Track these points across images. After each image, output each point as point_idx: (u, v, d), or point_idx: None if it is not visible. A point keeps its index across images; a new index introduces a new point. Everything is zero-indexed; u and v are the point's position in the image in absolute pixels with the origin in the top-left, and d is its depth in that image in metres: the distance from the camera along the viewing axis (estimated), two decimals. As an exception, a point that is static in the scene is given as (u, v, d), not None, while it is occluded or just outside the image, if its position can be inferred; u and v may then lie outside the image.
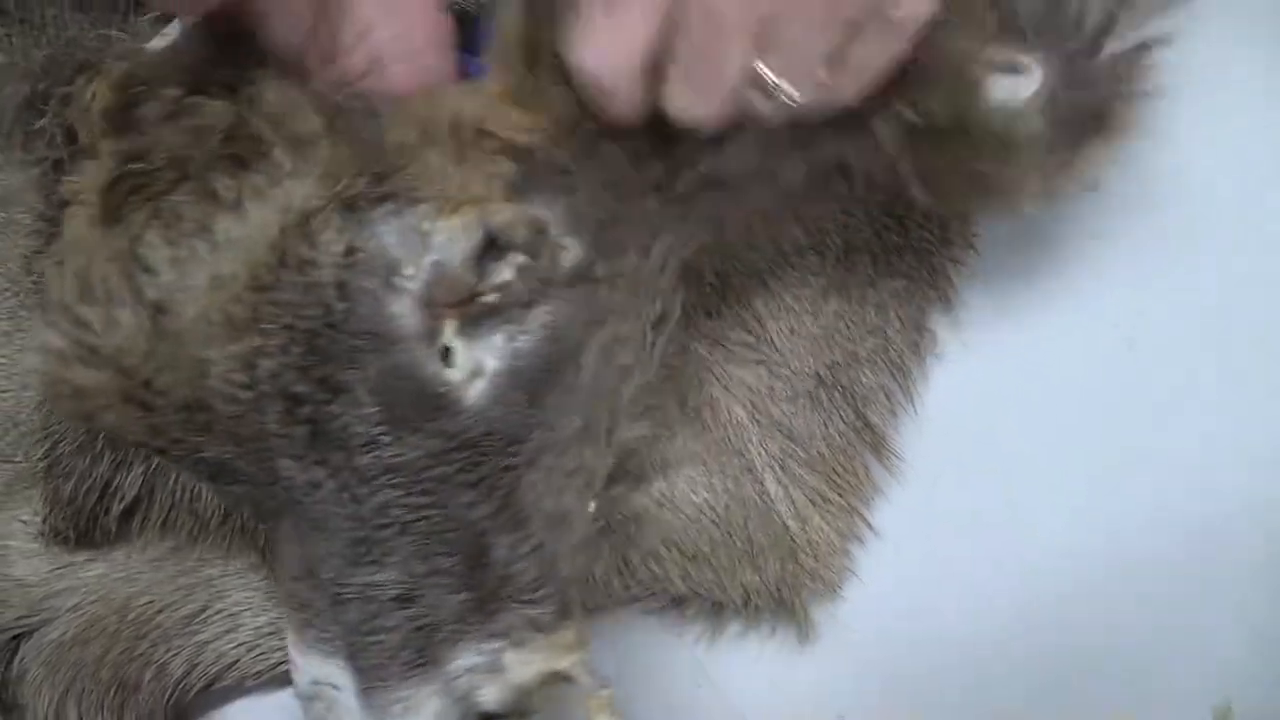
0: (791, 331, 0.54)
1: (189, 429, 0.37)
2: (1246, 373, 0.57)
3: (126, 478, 0.50)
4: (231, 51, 0.39)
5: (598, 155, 0.41)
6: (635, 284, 0.42)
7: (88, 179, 0.39)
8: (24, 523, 0.54)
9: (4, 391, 0.55)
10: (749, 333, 0.53)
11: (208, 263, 0.36)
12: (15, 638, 0.54)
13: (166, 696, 0.54)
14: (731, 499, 0.53)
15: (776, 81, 0.37)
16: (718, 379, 0.53)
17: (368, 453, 0.38)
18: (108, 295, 0.36)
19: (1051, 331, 0.58)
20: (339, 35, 0.39)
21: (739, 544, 0.53)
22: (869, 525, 0.56)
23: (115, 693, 0.53)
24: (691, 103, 0.38)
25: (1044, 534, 0.56)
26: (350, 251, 0.37)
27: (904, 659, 0.55)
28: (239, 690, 0.56)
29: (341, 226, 0.37)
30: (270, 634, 0.54)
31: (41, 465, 0.51)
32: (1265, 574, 0.54)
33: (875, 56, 0.38)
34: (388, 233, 0.37)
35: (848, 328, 0.54)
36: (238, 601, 0.54)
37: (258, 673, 0.54)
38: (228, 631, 0.54)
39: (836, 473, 0.54)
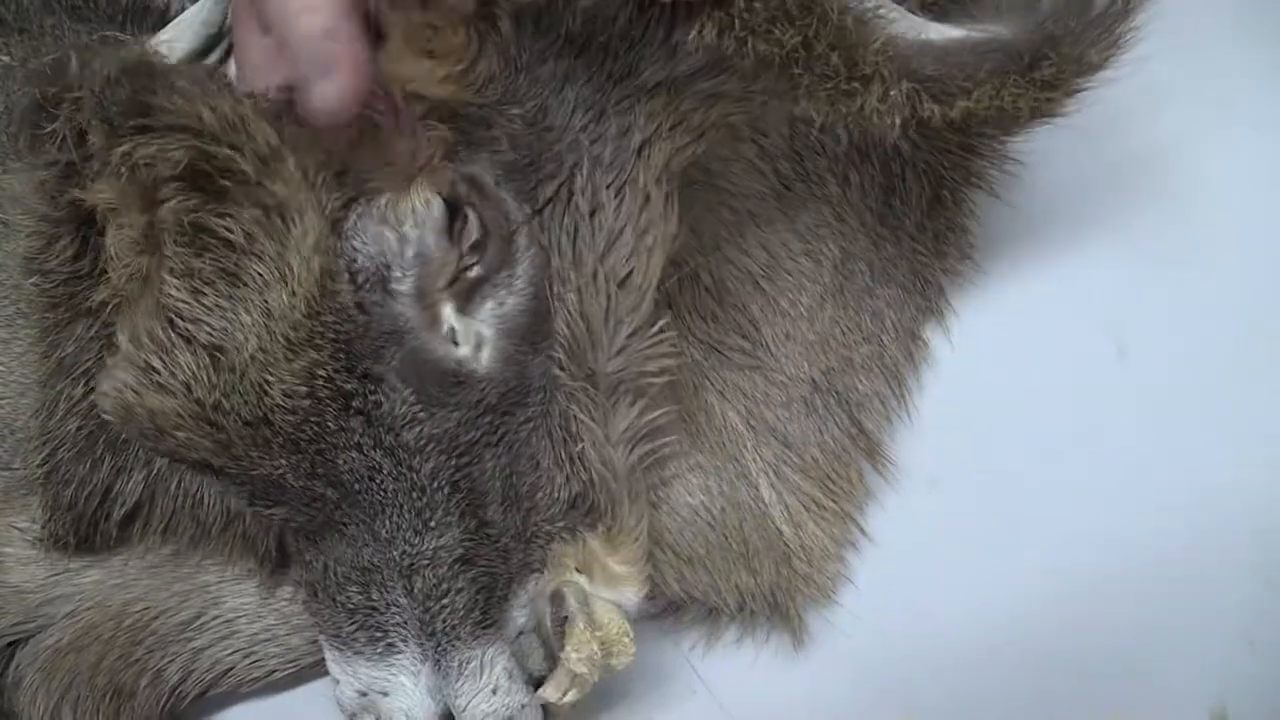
0: (787, 337, 0.54)
1: (252, 444, 0.41)
2: (1237, 378, 0.57)
3: (127, 483, 0.51)
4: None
5: (516, 89, 0.44)
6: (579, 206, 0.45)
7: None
8: (20, 529, 0.54)
9: (2, 399, 0.55)
10: (745, 338, 0.54)
11: (255, 301, 0.40)
12: (11, 644, 0.54)
13: (162, 703, 0.54)
14: (727, 503, 0.53)
15: None
16: (713, 384, 0.54)
17: (412, 428, 0.42)
18: (160, 346, 0.40)
19: (1043, 339, 0.58)
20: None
21: (734, 547, 0.53)
22: (863, 531, 0.56)
23: (111, 699, 0.53)
24: None
25: (1037, 540, 0.56)
26: (353, 276, 0.41)
27: (898, 665, 0.55)
28: (234, 697, 0.56)
29: (339, 252, 0.40)
30: (266, 640, 0.54)
31: (41, 471, 0.51)
32: (1259, 578, 0.55)
33: None
34: (364, 243, 0.41)
35: (843, 334, 0.55)
36: (234, 608, 0.54)
37: (253, 679, 0.54)
38: (224, 638, 0.54)
39: (831, 479, 0.55)
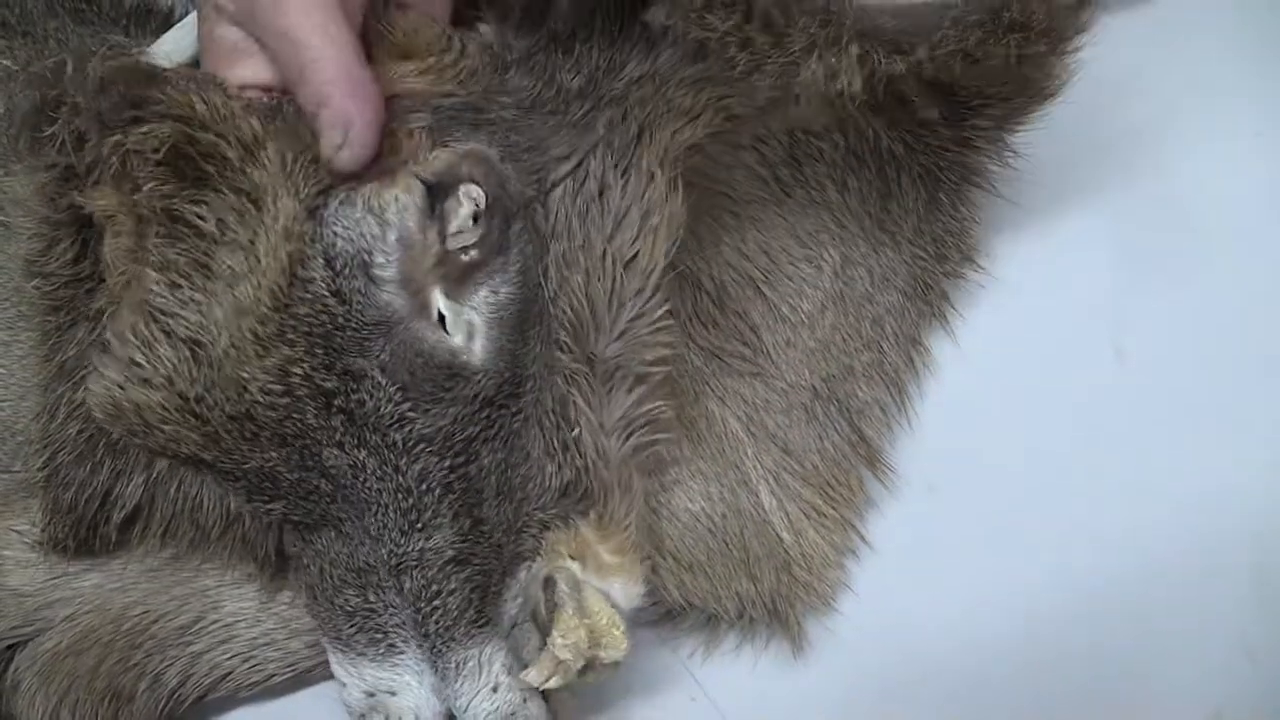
0: (788, 344, 0.54)
1: (239, 438, 0.41)
2: (1236, 383, 0.57)
3: (127, 486, 0.51)
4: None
5: (504, 82, 0.45)
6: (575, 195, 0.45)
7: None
8: (20, 533, 0.54)
9: (2, 401, 0.55)
10: (745, 344, 0.54)
11: (224, 296, 0.40)
12: (9, 647, 0.53)
13: (160, 707, 0.53)
14: (728, 509, 0.53)
15: None
16: (714, 391, 0.54)
17: (399, 429, 0.41)
18: (142, 340, 0.40)
19: (1042, 344, 0.58)
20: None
21: (735, 554, 0.53)
22: (863, 538, 0.56)
23: (109, 703, 0.53)
24: None
25: (1036, 547, 0.56)
26: (329, 261, 0.40)
27: (898, 672, 0.55)
28: (233, 701, 0.56)
29: (314, 237, 0.40)
30: (265, 645, 0.54)
31: (41, 474, 0.51)
32: (1256, 585, 0.55)
33: None
34: (345, 228, 0.40)
35: (843, 340, 0.55)
36: (233, 612, 0.54)
37: (252, 683, 0.54)
38: (222, 642, 0.54)
39: (831, 486, 0.55)
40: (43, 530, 0.52)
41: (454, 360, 0.42)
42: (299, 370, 0.40)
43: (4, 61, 0.56)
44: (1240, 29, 0.64)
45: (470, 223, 0.42)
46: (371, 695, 0.44)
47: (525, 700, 0.44)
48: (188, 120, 0.40)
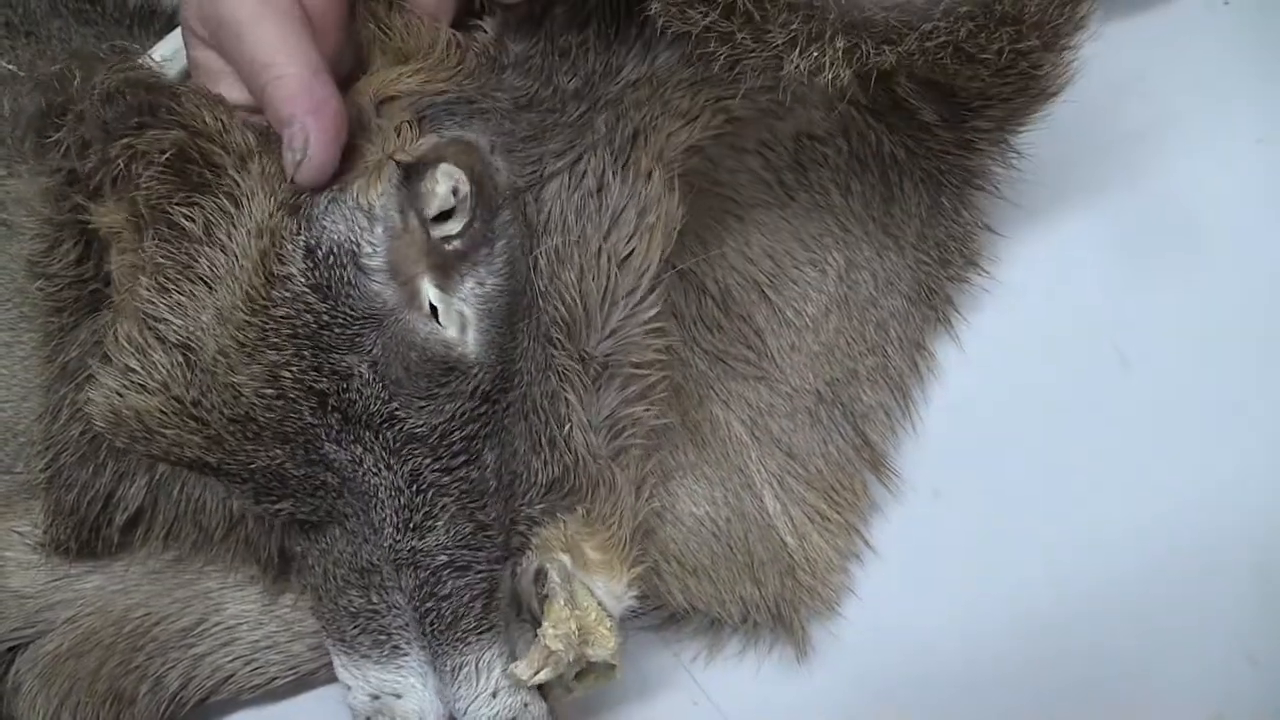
0: (792, 348, 0.54)
1: (243, 438, 0.41)
2: (1240, 389, 0.57)
3: (130, 489, 0.51)
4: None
5: (501, 80, 0.45)
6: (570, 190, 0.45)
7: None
8: (22, 534, 0.54)
9: (4, 402, 0.55)
10: (750, 348, 0.54)
11: (207, 301, 0.40)
12: (11, 649, 0.53)
13: (162, 709, 0.53)
14: (732, 514, 0.53)
15: None
16: (718, 395, 0.54)
17: (389, 427, 0.42)
18: (137, 347, 0.41)
19: (1047, 349, 0.58)
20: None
21: (739, 559, 0.53)
22: (867, 543, 0.56)
23: (110, 705, 0.53)
24: None
25: (1040, 552, 0.56)
26: (310, 253, 0.40)
27: (901, 676, 0.55)
28: (235, 703, 0.56)
29: (294, 232, 0.40)
30: (267, 648, 0.54)
31: (43, 476, 0.51)
32: (1258, 590, 0.55)
33: None
34: (334, 222, 0.41)
35: (848, 345, 0.55)
36: (235, 615, 0.54)
37: (254, 686, 0.54)
38: (224, 645, 0.54)
39: (835, 490, 0.55)
40: (45, 532, 0.52)
41: (449, 353, 0.42)
42: (288, 374, 0.40)
43: (9, 67, 0.56)
44: (1242, 33, 0.64)
45: (450, 201, 0.42)
46: (376, 698, 0.43)
47: (526, 705, 0.44)
48: (196, 131, 0.41)
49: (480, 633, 0.43)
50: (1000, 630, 0.55)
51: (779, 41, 0.41)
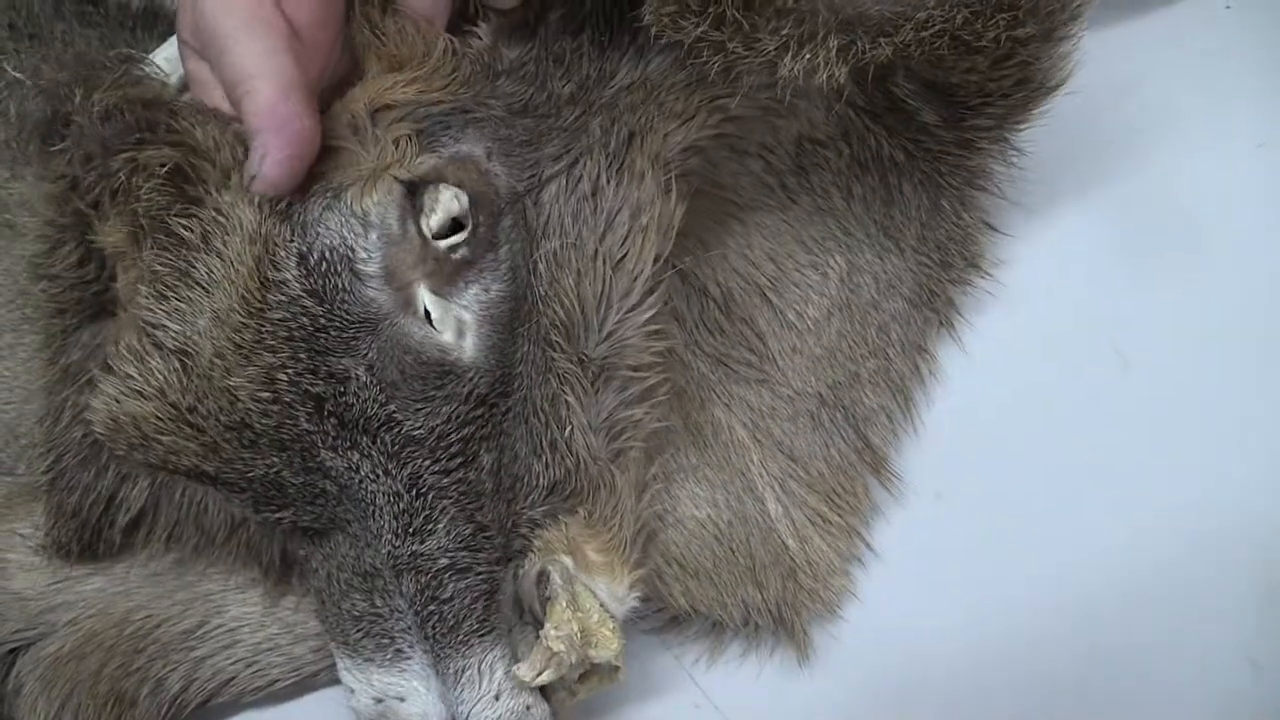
0: (794, 351, 0.54)
1: (239, 446, 0.41)
2: (1241, 392, 0.58)
3: (132, 491, 0.51)
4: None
5: (495, 88, 0.45)
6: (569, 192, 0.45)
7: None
8: (23, 536, 0.54)
9: (6, 404, 0.55)
10: (752, 351, 0.54)
11: (204, 305, 0.41)
12: (12, 651, 0.53)
13: (163, 712, 0.53)
14: (733, 516, 0.53)
15: None
16: (720, 398, 0.54)
17: (387, 431, 0.42)
18: (135, 354, 0.41)
19: (1048, 352, 0.58)
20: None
21: (741, 561, 0.53)
22: (869, 546, 0.56)
23: (112, 707, 0.52)
24: None
25: (1041, 554, 0.56)
26: (303, 259, 0.41)
27: (903, 678, 0.55)
28: (236, 706, 0.55)
29: (287, 239, 0.41)
30: (268, 650, 0.54)
31: (45, 478, 0.51)
32: (1258, 592, 0.55)
33: None
34: (328, 229, 0.41)
35: (849, 348, 0.55)
36: (236, 617, 0.54)
37: (256, 688, 0.54)
38: (226, 647, 0.54)
39: (837, 493, 0.55)
40: (46, 534, 0.52)
41: (444, 357, 0.42)
42: (284, 376, 0.41)
43: (15, 74, 0.56)
44: (1244, 36, 0.64)
45: (454, 209, 0.42)
46: (380, 701, 0.43)
47: (529, 708, 0.44)
48: (190, 148, 0.42)
49: (482, 635, 0.43)
50: (1001, 633, 0.55)
51: (771, 47, 0.41)
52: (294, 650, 0.54)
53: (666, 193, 0.45)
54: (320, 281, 0.41)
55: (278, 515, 0.43)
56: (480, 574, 0.43)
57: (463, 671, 0.43)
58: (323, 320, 0.41)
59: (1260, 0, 0.65)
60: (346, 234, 0.41)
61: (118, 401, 0.42)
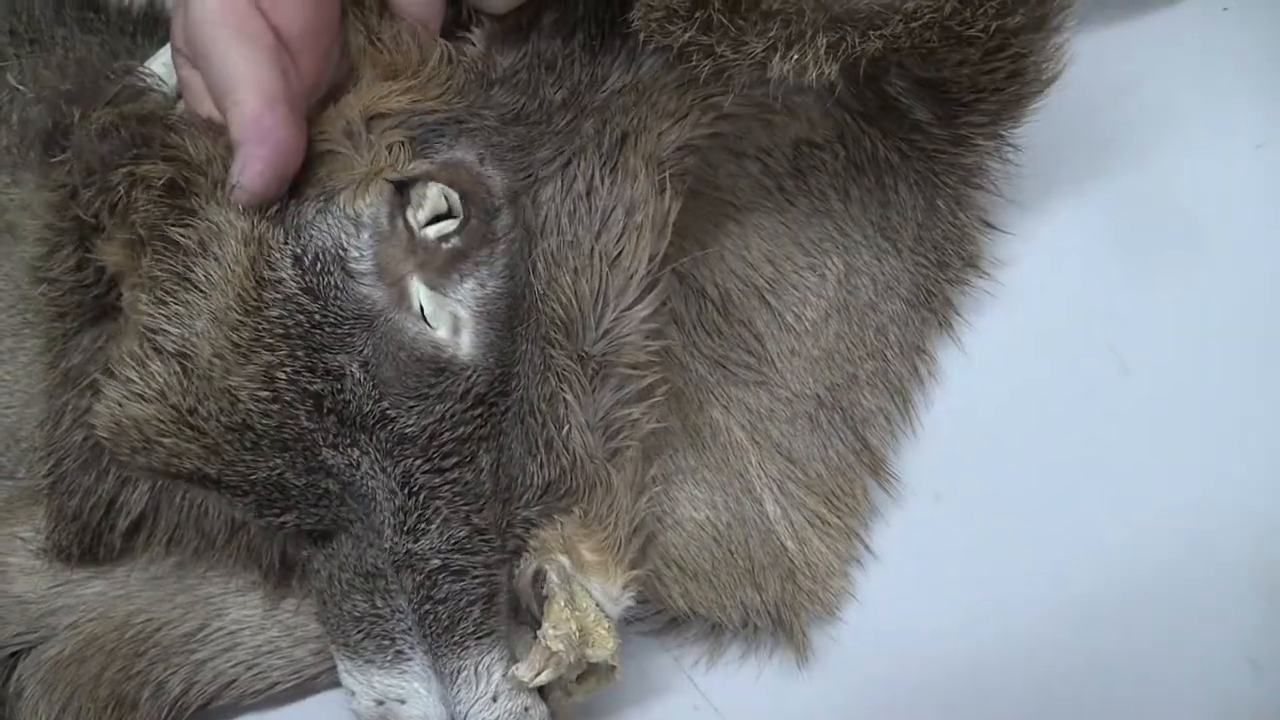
0: (792, 352, 0.54)
1: (241, 448, 0.42)
2: (1239, 394, 0.58)
3: (132, 494, 0.51)
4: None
5: (489, 98, 0.46)
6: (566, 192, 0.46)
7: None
8: (24, 539, 0.54)
9: (7, 408, 0.55)
10: (750, 353, 0.54)
11: (201, 307, 0.41)
12: (13, 655, 0.53)
13: (164, 715, 0.53)
14: (732, 518, 0.53)
15: None
16: (718, 400, 0.54)
17: (382, 428, 0.42)
18: (136, 359, 0.42)
19: (1046, 354, 0.58)
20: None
21: (739, 563, 0.53)
22: (868, 547, 0.56)
23: (112, 710, 0.52)
24: None
25: (1040, 555, 0.56)
26: (297, 260, 0.41)
27: (902, 681, 0.55)
28: (237, 709, 0.55)
29: (282, 241, 0.41)
30: (269, 653, 0.54)
31: (45, 481, 0.51)
32: (1258, 592, 0.55)
33: None
34: (321, 230, 0.42)
35: (848, 349, 0.55)
36: (237, 620, 0.54)
37: (256, 691, 0.54)
38: (226, 650, 0.54)
39: (835, 494, 0.55)
40: (47, 537, 0.52)
41: (439, 354, 0.42)
42: (283, 374, 0.41)
43: (19, 88, 0.56)
44: (1241, 37, 0.64)
45: (442, 205, 0.43)
46: (381, 703, 0.43)
47: (527, 709, 0.44)
48: (184, 162, 0.43)
49: (479, 637, 0.43)
50: (1001, 634, 0.55)
51: (759, 50, 0.42)
52: (294, 653, 0.54)
53: (661, 191, 0.46)
54: (315, 279, 0.41)
55: (281, 519, 0.43)
56: (477, 577, 0.43)
57: (459, 672, 0.43)
58: (318, 317, 0.41)
59: (1258, 1, 0.65)
60: (339, 234, 0.42)
61: (120, 405, 0.42)
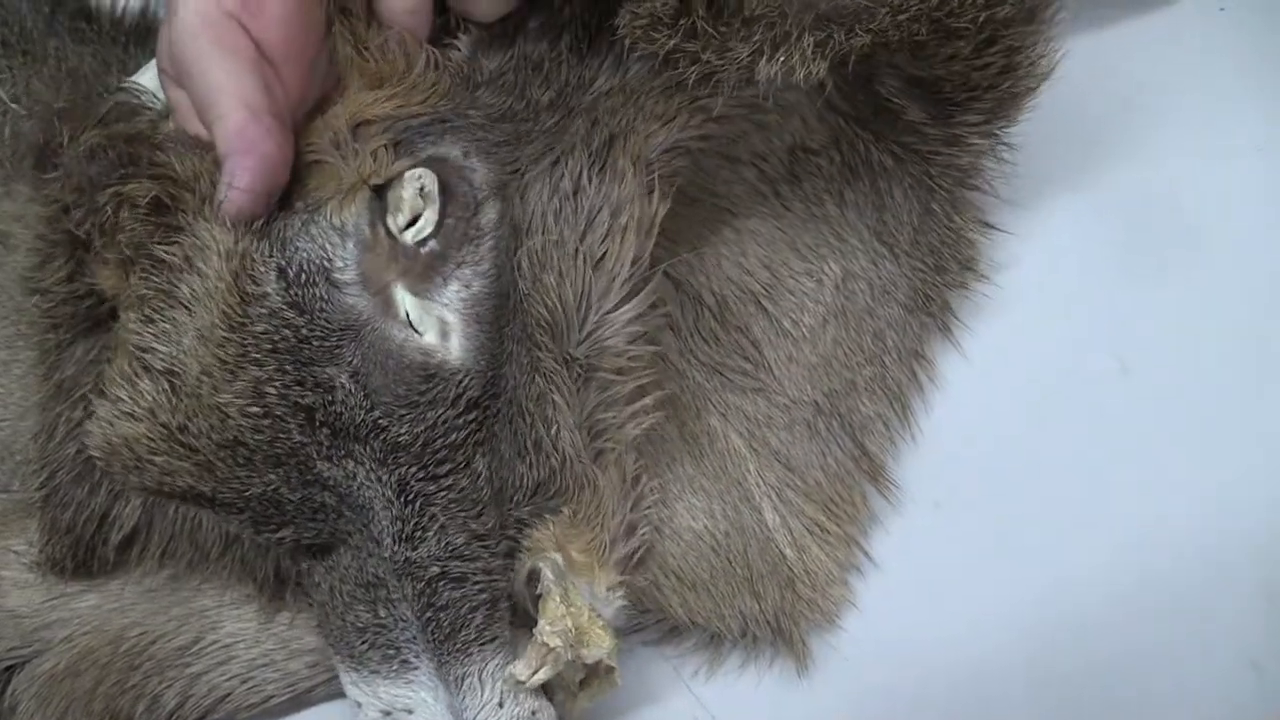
0: (789, 359, 0.54)
1: (234, 464, 0.41)
2: (1240, 397, 0.57)
3: (125, 508, 0.51)
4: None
5: (475, 99, 0.46)
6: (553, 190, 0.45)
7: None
8: (17, 553, 0.54)
9: (1, 421, 0.55)
10: (747, 360, 0.54)
11: (188, 324, 0.41)
12: (7, 669, 0.53)
13: (159, 729, 0.53)
14: (730, 526, 0.53)
15: None
16: (715, 407, 0.54)
17: (375, 438, 0.42)
18: (126, 378, 0.42)
19: (1046, 358, 0.58)
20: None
21: (738, 572, 0.53)
22: (867, 555, 0.56)
23: (107, 725, 0.52)
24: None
25: (1041, 562, 0.55)
26: (282, 273, 0.41)
27: (903, 689, 0.55)
28: (232, 723, 0.55)
29: (267, 253, 0.41)
30: (264, 666, 0.54)
31: (39, 495, 0.51)
32: (1261, 595, 0.54)
33: None
34: (306, 242, 0.42)
35: (845, 355, 0.54)
36: (232, 633, 0.54)
37: (251, 704, 0.54)
38: (221, 664, 0.53)
39: (834, 502, 0.54)
40: (40, 551, 0.52)
41: (428, 360, 0.42)
42: (272, 389, 0.41)
43: (12, 105, 0.57)
44: (1238, 37, 0.64)
45: (419, 206, 0.43)
46: (389, 714, 0.43)
47: (534, 713, 0.43)
48: (171, 179, 0.43)
49: (483, 643, 0.43)
50: (1002, 641, 0.55)
51: (744, 54, 0.42)
52: (289, 665, 0.54)
53: (648, 193, 0.45)
54: (300, 292, 0.41)
55: (279, 534, 0.43)
56: (477, 583, 0.43)
57: (463, 679, 0.43)
58: (305, 331, 0.41)
59: (1255, 2, 0.65)
60: (324, 246, 0.42)
61: (111, 424, 0.42)
